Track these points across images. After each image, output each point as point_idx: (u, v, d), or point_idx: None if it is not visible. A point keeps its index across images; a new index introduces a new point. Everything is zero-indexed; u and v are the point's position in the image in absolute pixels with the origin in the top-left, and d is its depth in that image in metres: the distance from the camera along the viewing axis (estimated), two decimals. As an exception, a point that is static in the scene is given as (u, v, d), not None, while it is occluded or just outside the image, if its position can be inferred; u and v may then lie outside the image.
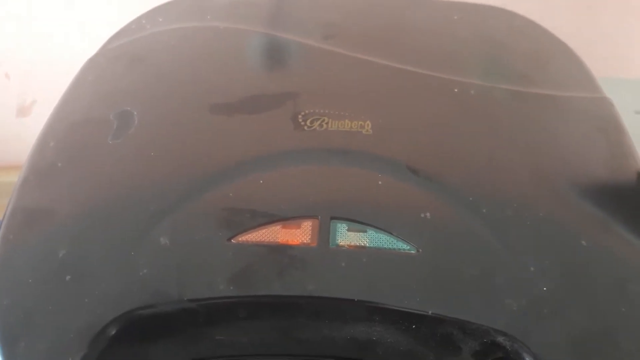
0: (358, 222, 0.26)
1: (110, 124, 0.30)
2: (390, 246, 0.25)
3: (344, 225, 0.26)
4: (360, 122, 0.29)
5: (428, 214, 0.26)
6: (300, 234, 0.26)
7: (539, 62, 0.34)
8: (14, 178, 0.29)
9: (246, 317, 0.25)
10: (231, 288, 0.24)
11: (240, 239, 0.25)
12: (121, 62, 0.35)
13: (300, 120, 0.29)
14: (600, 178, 0.28)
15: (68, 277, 0.25)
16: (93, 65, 0.36)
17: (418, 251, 0.25)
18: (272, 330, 0.26)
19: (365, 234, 0.26)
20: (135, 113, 0.30)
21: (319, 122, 0.29)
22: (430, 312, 0.24)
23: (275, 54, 0.34)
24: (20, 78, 0.60)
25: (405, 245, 0.25)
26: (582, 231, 0.26)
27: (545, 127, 0.30)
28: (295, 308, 0.25)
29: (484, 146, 0.29)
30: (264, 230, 0.26)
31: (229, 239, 0.25)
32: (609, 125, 0.31)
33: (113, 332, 0.24)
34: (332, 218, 0.26)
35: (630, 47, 0.52)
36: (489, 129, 0.29)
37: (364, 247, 0.25)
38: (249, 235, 0.25)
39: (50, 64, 0.58)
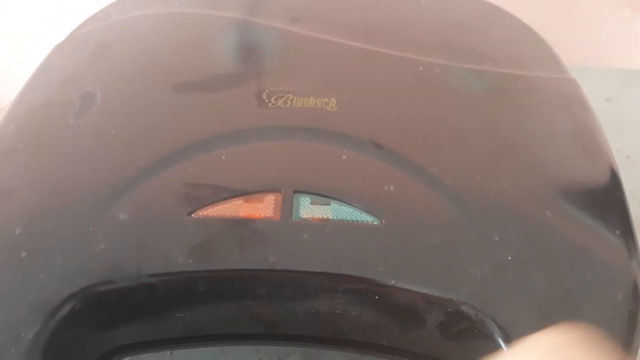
0: (321, 195, 0.25)
1: (72, 105, 0.30)
2: (354, 218, 0.25)
3: (307, 198, 0.25)
4: (325, 99, 0.29)
5: (391, 187, 0.26)
6: (262, 208, 0.25)
7: (503, 44, 0.34)
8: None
9: (206, 293, 0.24)
10: (190, 262, 0.24)
11: (200, 213, 0.25)
12: (86, 48, 0.35)
13: (264, 97, 0.29)
14: (565, 151, 0.28)
15: (24, 254, 0.24)
16: (58, 52, 0.36)
17: (381, 222, 0.25)
18: (234, 307, 0.25)
19: (328, 207, 0.25)
20: (98, 94, 0.30)
21: (283, 99, 0.29)
22: (392, 282, 0.23)
23: (242, 37, 0.34)
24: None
25: (369, 217, 0.25)
26: (546, 202, 0.26)
27: (510, 104, 0.30)
28: (256, 282, 0.24)
29: (448, 121, 0.28)
30: (225, 205, 0.25)
31: (189, 214, 0.25)
32: (574, 103, 0.31)
33: (70, 309, 0.24)
34: (295, 192, 0.26)
35: (600, 37, 0.53)
36: (452, 105, 0.29)
37: (327, 220, 0.25)
38: (210, 209, 0.25)
39: (26, 67, 0.57)
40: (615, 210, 0.27)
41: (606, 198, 0.27)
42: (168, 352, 0.34)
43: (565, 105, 0.30)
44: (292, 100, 0.29)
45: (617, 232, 0.26)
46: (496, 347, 0.23)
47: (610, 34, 0.53)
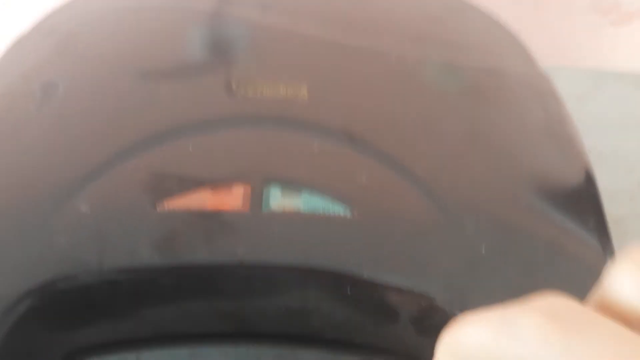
0: (292, 186, 0.25)
1: (33, 95, 0.29)
2: (325, 210, 0.24)
3: (278, 190, 0.25)
4: (295, 89, 0.28)
5: (363, 178, 0.25)
6: (231, 199, 0.24)
7: (475, 38, 0.34)
8: None
9: (173, 289, 0.23)
10: (155, 256, 0.23)
11: (166, 205, 0.24)
12: (50, 38, 0.34)
13: (233, 86, 0.28)
14: (538, 143, 0.28)
15: (-22, 249, 0.23)
16: (22, 42, 0.35)
17: (353, 214, 0.24)
18: (202, 303, 0.24)
19: (299, 198, 0.25)
20: (60, 84, 0.29)
21: (252, 88, 0.28)
22: (365, 275, 0.23)
23: (211, 27, 0.33)
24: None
25: (341, 209, 0.24)
26: (520, 195, 0.25)
27: (483, 97, 0.29)
28: (225, 277, 0.23)
29: (422, 113, 0.28)
30: (191, 196, 0.24)
31: (154, 206, 0.24)
32: (547, 97, 0.31)
33: (27, 307, 0.22)
34: (265, 182, 0.25)
35: (571, 39, 0.53)
36: (425, 97, 0.29)
37: (298, 212, 0.24)
38: (175, 201, 0.24)
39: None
40: (589, 204, 0.26)
41: (580, 192, 0.27)
42: (135, 357, 0.33)
43: (538, 98, 0.30)
44: (261, 90, 0.28)
45: (591, 226, 0.25)
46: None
47: (581, 36, 0.54)
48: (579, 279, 0.24)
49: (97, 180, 0.24)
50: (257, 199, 0.24)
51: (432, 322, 0.23)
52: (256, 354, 0.34)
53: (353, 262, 0.23)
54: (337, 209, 0.24)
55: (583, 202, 0.27)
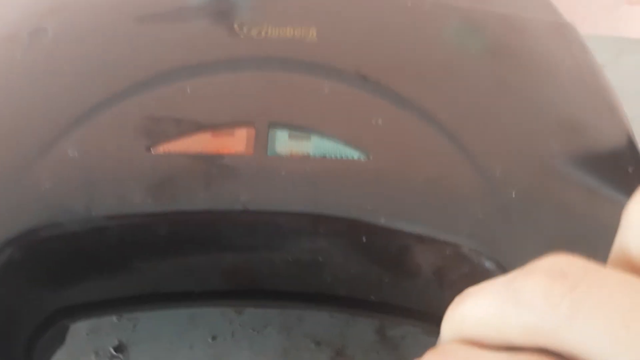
0: (300, 128, 0.22)
1: (22, 41, 0.26)
2: (338, 154, 0.22)
3: (285, 132, 0.22)
4: (304, 30, 0.26)
5: (380, 120, 0.23)
6: (233, 143, 0.22)
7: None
8: None
9: (168, 239, 0.21)
10: (148, 201, 0.21)
11: (161, 148, 0.22)
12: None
13: (236, 28, 0.26)
14: (568, 85, 0.25)
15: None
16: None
17: (368, 158, 0.22)
18: (200, 257, 0.22)
19: (308, 141, 0.22)
20: (49, 29, 0.27)
21: (257, 29, 0.26)
22: (382, 221, 0.20)
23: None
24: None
25: (355, 153, 0.22)
26: (551, 136, 0.23)
27: (504, 38, 0.27)
28: (226, 226, 0.21)
29: (442, 55, 0.26)
30: (190, 139, 0.22)
31: (148, 149, 0.22)
32: (574, 44, 0.28)
33: (7, 257, 0.20)
34: (271, 125, 0.22)
35: (594, 6, 0.51)
36: (446, 39, 0.26)
37: (307, 156, 0.22)
38: (172, 144, 0.22)
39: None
40: (625, 147, 0.24)
41: (614, 135, 0.24)
42: (132, 325, 0.31)
43: (565, 45, 0.28)
44: (267, 31, 0.25)
45: (629, 169, 0.23)
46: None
47: (604, 3, 0.52)
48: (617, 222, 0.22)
49: (87, 123, 0.22)
50: (261, 142, 0.22)
51: (457, 275, 0.21)
52: (261, 322, 0.32)
53: (369, 207, 0.20)
54: (350, 153, 0.22)
55: (618, 142, 0.24)
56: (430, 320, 0.23)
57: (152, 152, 0.22)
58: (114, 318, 0.31)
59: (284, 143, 0.22)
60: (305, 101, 0.23)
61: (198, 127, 0.22)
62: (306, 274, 0.22)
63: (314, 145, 0.22)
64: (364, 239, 0.21)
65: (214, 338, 0.31)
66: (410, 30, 0.27)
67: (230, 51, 0.25)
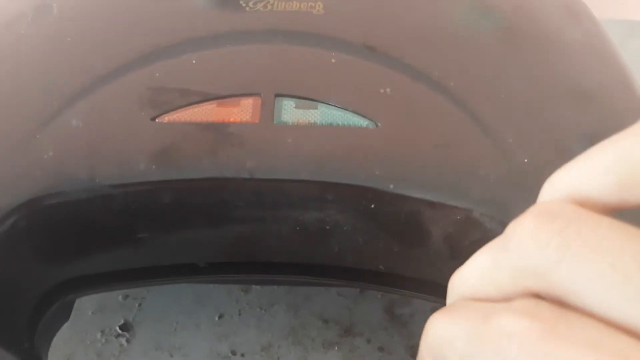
0: (307, 98, 0.22)
1: (26, 16, 0.26)
2: (346, 122, 0.21)
3: (291, 102, 0.22)
4: (310, 3, 0.25)
5: (388, 90, 0.22)
6: (238, 112, 0.22)
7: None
8: None
9: (173, 207, 0.21)
10: (153, 168, 0.20)
11: (166, 118, 0.21)
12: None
13: (241, 2, 0.25)
14: (581, 55, 0.25)
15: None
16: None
17: (377, 125, 0.21)
18: (205, 226, 0.22)
19: (315, 110, 0.22)
20: (54, 5, 0.26)
21: (262, 3, 0.25)
22: (391, 187, 0.20)
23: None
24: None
25: (362, 121, 0.21)
26: (564, 104, 0.23)
27: (513, 8, 0.26)
28: (232, 193, 0.21)
29: (449, 25, 0.25)
30: (195, 109, 0.22)
31: (153, 118, 0.21)
32: (581, 14, 0.28)
33: (10, 226, 0.20)
34: (277, 95, 0.22)
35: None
36: (453, 9, 0.26)
37: (314, 124, 0.21)
38: (178, 114, 0.22)
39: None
40: (637, 116, 0.23)
41: (627, 104, 0.24)
42: (137, 304, 0.30)
43: (573, 13, 0.27)
44: (272, 4, 0.25)
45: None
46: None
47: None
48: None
49: (93, 94, 0.22)
50: (268, 110, 0.22)
51: (468, 242, 0.20)
52: (268, 301, 0.31)
53: (377, 172, 0.20)
54: (359, 122, 0.21)
55: (631, 121, 0.24)
56: (440, 294, 0.22)
57: (157, 120, 0.21)
58: (119, 297, 0.31)
59: (290, 112, 0.22)
60: (312, 72, 0.23)
61: (204, 97, 0.22)
62: (314, 244, 0.22)
63: (321, 114, 0.22)
64: (373, 206, 0.20)
65: (220, 317, 0.31)
66: (418, 3, 0.26)
67: (236, 24, 0.24)
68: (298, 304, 0.31)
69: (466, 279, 0.13)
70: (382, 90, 0.22)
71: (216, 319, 0.31)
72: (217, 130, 0.21)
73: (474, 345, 0.11)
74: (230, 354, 0.29)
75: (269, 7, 0.25)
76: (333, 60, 0.23)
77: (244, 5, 0.25)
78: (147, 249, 0.22)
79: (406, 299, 0.31)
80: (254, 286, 0.32)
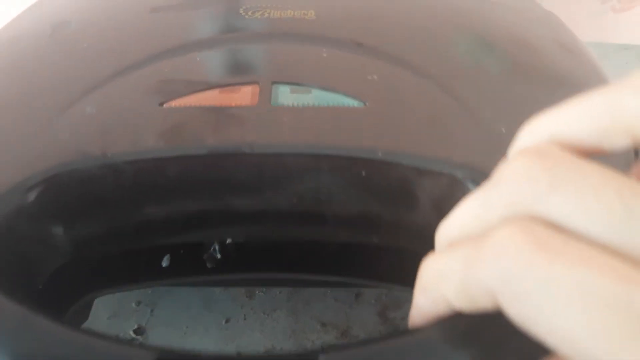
0: (301, 84, 0.24)
1: (46, 32, 0.29)
2: (336, 103, 0.23)
3: (287, 87, 0.24)
4: (303, 11, 0.28)
5: (375, 76, 0.24)
6: (239, 98, 0.24)
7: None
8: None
9: (179, 181, 0.22)
10: (160, 144, 0.22)
11: (173, 103, 0.23)
12: None
13: (241, 12, 0.28)
14: (551, 52, 0.27)
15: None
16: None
17: (365, 104, 0.23)
18: (209, 198, 0.23)
19: (309, 94, 0.24)
20: (72, 22, 0.29)
21: (260, 12, 0.28)
22: (380, 153, 0.22)
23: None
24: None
25: (352, 101, 0.23)
26: (538, 87, 0.25)
27: (492, 15, 0.29)
28: (233, 168, 0.22)
29: (433, 26, 0.28)
30: (199, 95, 0.24)
31: (161, 104, 0.23)
32: (557, 27, 0.30)
33: (29, 198, 0.21)
34: (274, 82, 0.24)
35: (576, 14, 0.53)
36: (435, 12, 0.28)
37: (308, 105, 0.23)
38: (183, 100, 0.24)
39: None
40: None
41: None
42: (150, 310, 0.32)
43: (549, 27, 0.30)
44: (269, 13, 0.28)
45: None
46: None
47: (583, 21, 0.54)
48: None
49: (105, 87, 0.24)
50: (265, 95, 0.24)
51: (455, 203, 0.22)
52: (270, 305, 0.32)
53: (366, 142, 0.22)
54: (349, 102, 0.23)
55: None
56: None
57: (164, 106, 0.23)
58: (133, 304, 0.32)
59: (286, 96, 0.24)
60: (306, 65, 0.25)
61: (207, 86, 0.24)
62: (310, 216, 0.23)
63: (315, 97, 0.24)
64: (364, 174, 0.22)
65: (227, 321, 0.31)
66: (400, 8, 0.29)
67: (237, 28, 0.27)
68: (298, 309, 0.32)
69: (455, 224, 0.13)
70: (369, 77, 0.24)
71: (223, 323, 0.32)
72: (220, 112, 0.23)
73: (470, 267, 0.11)
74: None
75: (266, 15, 0.28)
76: (325, 55, 0.26)
77: (243, 14, 0.28)
78: (154, 226, 0.23)
79: (397, 303, 0.32)
80: (257, 292, 0.33)
